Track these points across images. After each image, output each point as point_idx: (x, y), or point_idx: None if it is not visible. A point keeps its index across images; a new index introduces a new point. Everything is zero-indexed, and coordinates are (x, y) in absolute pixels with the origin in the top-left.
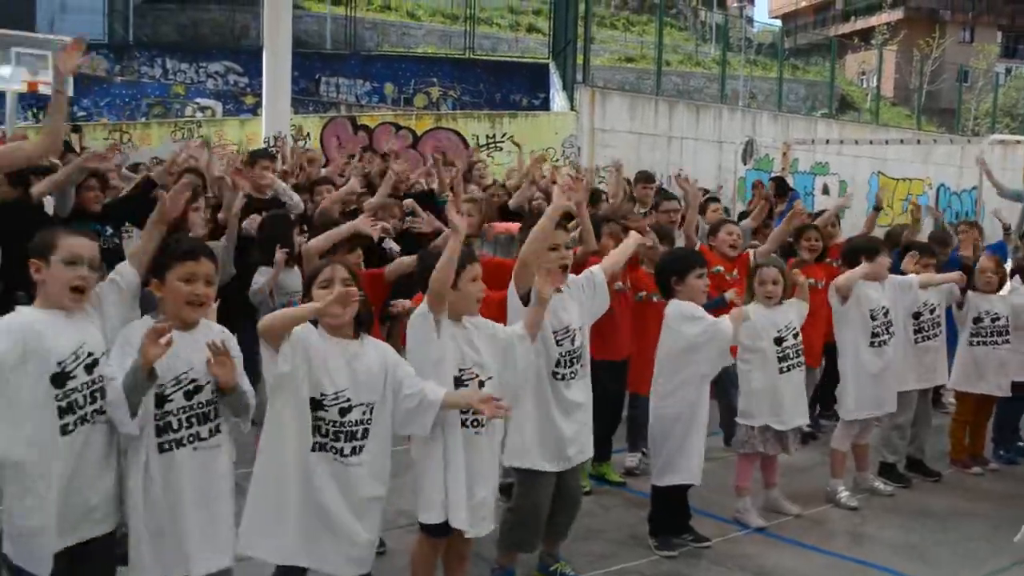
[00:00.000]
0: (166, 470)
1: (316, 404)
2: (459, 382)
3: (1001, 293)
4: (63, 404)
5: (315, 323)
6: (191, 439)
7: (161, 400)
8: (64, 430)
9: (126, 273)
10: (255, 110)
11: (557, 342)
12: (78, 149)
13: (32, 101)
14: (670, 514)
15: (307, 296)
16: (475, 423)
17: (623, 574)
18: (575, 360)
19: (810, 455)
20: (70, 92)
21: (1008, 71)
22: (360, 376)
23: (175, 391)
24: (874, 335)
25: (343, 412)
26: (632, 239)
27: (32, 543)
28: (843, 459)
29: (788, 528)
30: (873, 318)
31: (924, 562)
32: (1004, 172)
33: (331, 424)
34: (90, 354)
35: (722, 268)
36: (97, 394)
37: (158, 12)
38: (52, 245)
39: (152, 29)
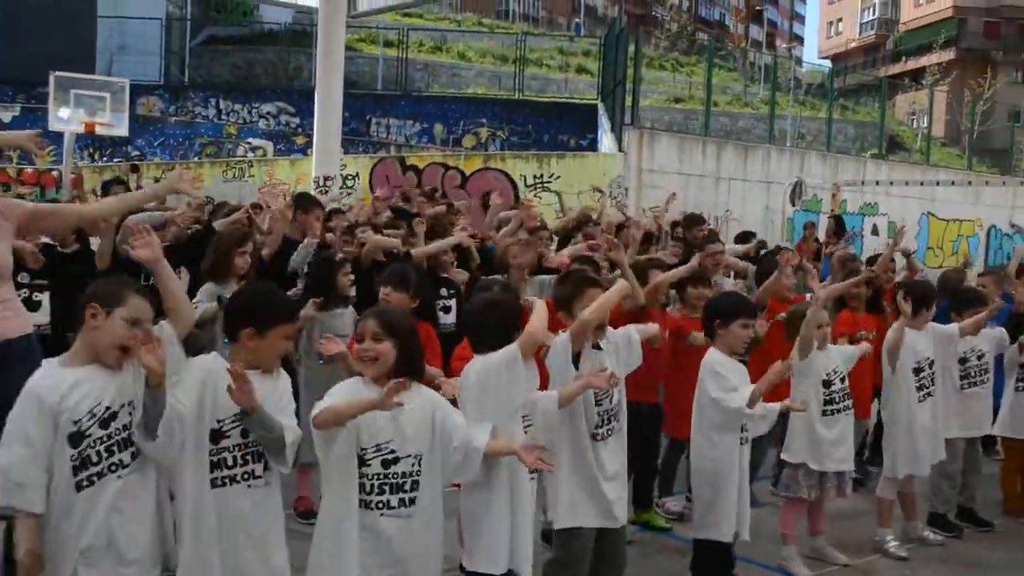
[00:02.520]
0: (220, 506)
1: (360, 461)
2: (524, 431)
3: None
4: (76, 462)
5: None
6: (245, 476)
7: (218, 436)
8: (79, 486)
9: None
10: (305, 150)
11: (597, 402)
12: (134, 188)
13: (88, 141)
14: (713, 563)
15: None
16: (532, 472)
17: None
18: (612, 418)
19: (857, 503)
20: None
21: None
22: (406, 427)
23: (233, 428)
24: (920, 388)
25: (386, 464)
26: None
27: None
28: (891, 507)
29: None
30: (919, 371)
31: None
32: None
33: (375, 478)
34: (107, 408)
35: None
36: (115, 448)
37: (213, 54)
38: (121, 299)
39: (207, 70)
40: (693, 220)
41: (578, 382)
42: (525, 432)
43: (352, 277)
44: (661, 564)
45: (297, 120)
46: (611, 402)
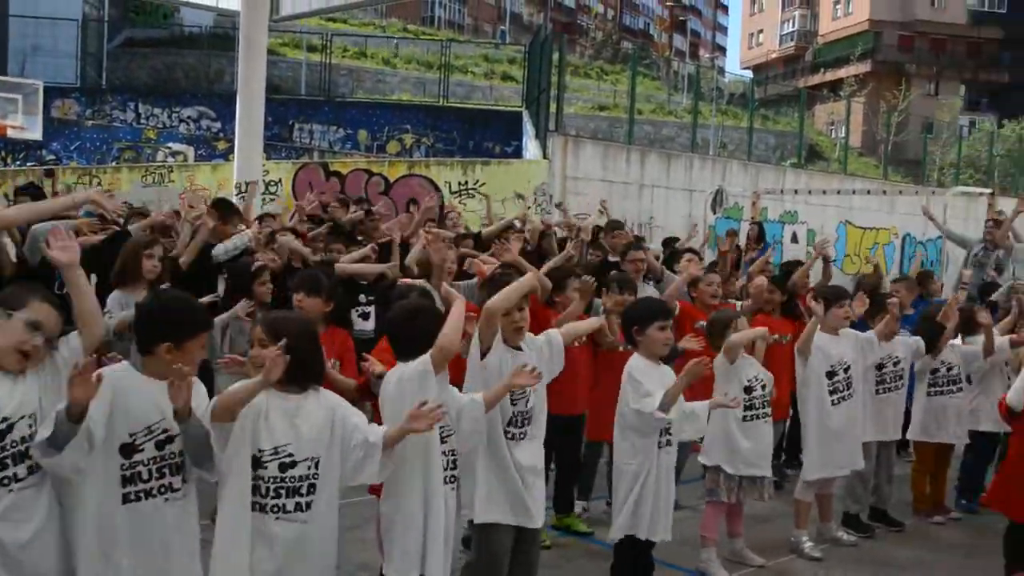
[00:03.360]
0: (134, 521)
1: (255, 462)
2: (443, 439)
3: (953, 343)
4: None
5: None
6: (162, 489)
7: (130, 450)
8: None
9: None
10: (227, 155)
11: (512, 402)
12: (49, 194)
13: (1, 144)
14: (632, 566)
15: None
16: (452, 479)
17: None
18: (526, 421)
19: (774, 505)
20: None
21: (972, 124)
22: (303, 430)
23: (146, 441)
24: (834, 391)
25: (284, 467)
26: (594, 321)
27: None
28: (807, 510)
29: None
30: (832, 375)
31: None
32: (967, 222)
33: (271, 481)
34: (5, 419)
35: (704, 323)
36: (8, 460)
37: (132, 56)
38: (22, 302)
39: (125, 73)
40: (612, 226)
41: (500, 384)
42: (444, 441)
43: (270, 286)
44: (582, 567)
45: (218, 125)
46: (526, 404)
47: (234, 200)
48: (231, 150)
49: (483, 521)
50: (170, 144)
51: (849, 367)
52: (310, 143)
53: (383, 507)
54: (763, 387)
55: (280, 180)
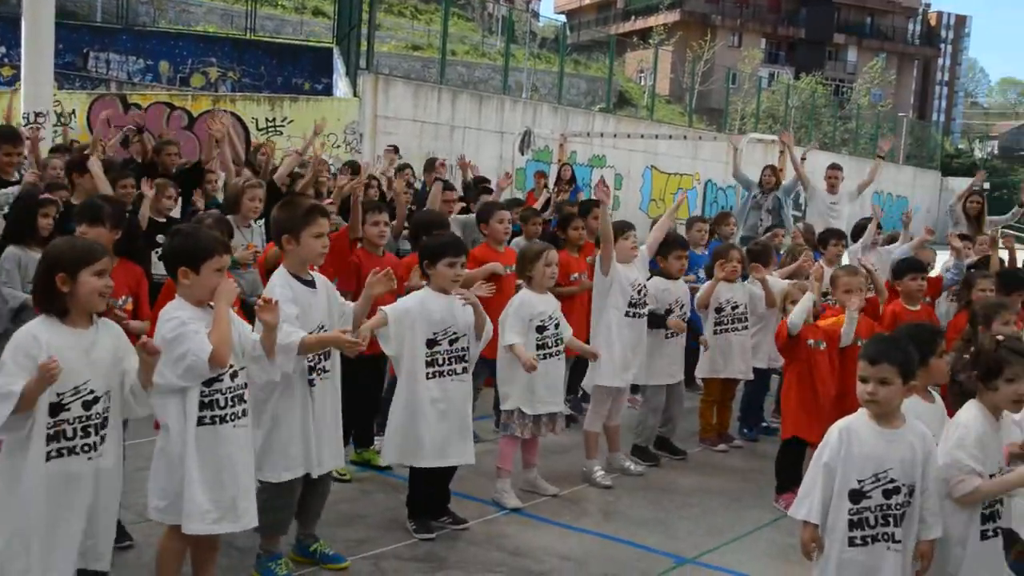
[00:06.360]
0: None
1: (56, 408)
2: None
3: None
4: None
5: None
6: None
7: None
8: None
9: None
10: (13, 83)
11: None
12: None
13: None
14: (427, 497)
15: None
16: (235, 416)
17: (381, 558)
18: (324, 356)
19: (569, 437)
20: None
21: (771, 76)
22: (99, 364)
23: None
24: (631, 305)
25: (87, 405)
26: (377, 319)
27: None
28: (596, 440)
29: (544, 508)
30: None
31: (668, 535)
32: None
33: (76, 421)
34: None
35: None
36: None
37: None
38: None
39: None
40: (429, 165)
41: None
42: (234, 377)
43: (54, 218)
44: (380, 502)
45: (3, 49)
46: None
47: (27, 131)
48: (18, 77)
49: (273, 481)
50: None
51: (643, 288)
52: (107, 73)
53: (157, 442)
54: (556, 325)
55: (74, 111)
